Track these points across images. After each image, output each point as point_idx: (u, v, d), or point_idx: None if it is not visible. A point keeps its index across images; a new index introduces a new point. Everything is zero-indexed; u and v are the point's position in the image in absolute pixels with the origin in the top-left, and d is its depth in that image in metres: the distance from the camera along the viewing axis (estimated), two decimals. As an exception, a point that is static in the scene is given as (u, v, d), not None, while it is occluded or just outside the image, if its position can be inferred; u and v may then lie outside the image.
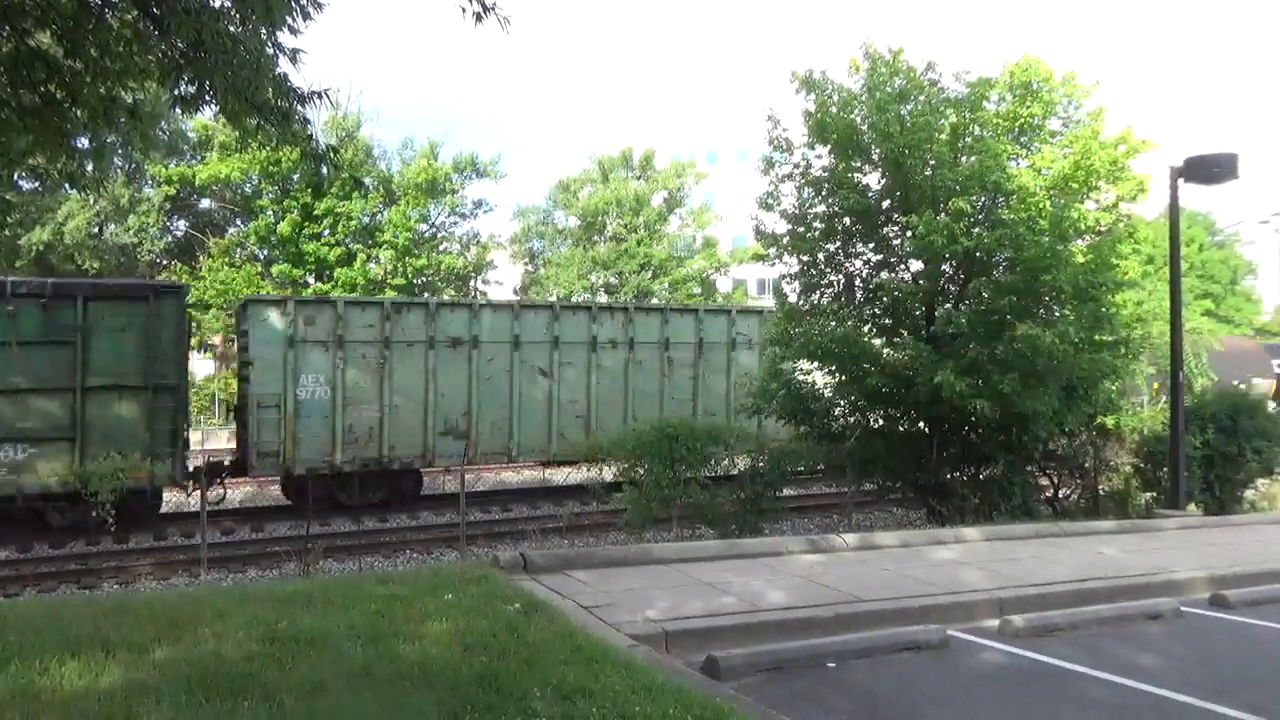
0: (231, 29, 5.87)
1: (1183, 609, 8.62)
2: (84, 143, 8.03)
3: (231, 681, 5.10)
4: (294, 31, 6.14)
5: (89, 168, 8.70)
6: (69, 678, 5.13)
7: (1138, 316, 14.90)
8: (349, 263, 32.91)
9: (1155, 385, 17.63)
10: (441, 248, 36.21)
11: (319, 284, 32.79)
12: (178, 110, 6.34)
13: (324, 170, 6.54)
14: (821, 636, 7.16)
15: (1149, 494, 15.37)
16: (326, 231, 33.23)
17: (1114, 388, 14.83)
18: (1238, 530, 13.02)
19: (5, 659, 5.39)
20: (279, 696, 4.93)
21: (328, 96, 6.09)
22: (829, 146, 14.21)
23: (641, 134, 73.24)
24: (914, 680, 6.51)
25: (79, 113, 6.84)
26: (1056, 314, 13.40)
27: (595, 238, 42.73)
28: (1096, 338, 13.27)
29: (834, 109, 13.86)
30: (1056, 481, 15.89)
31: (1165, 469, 14.72)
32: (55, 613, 6.72)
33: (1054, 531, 11.93)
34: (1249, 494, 16.48)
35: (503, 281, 40.71)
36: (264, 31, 5.80)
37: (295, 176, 32.78)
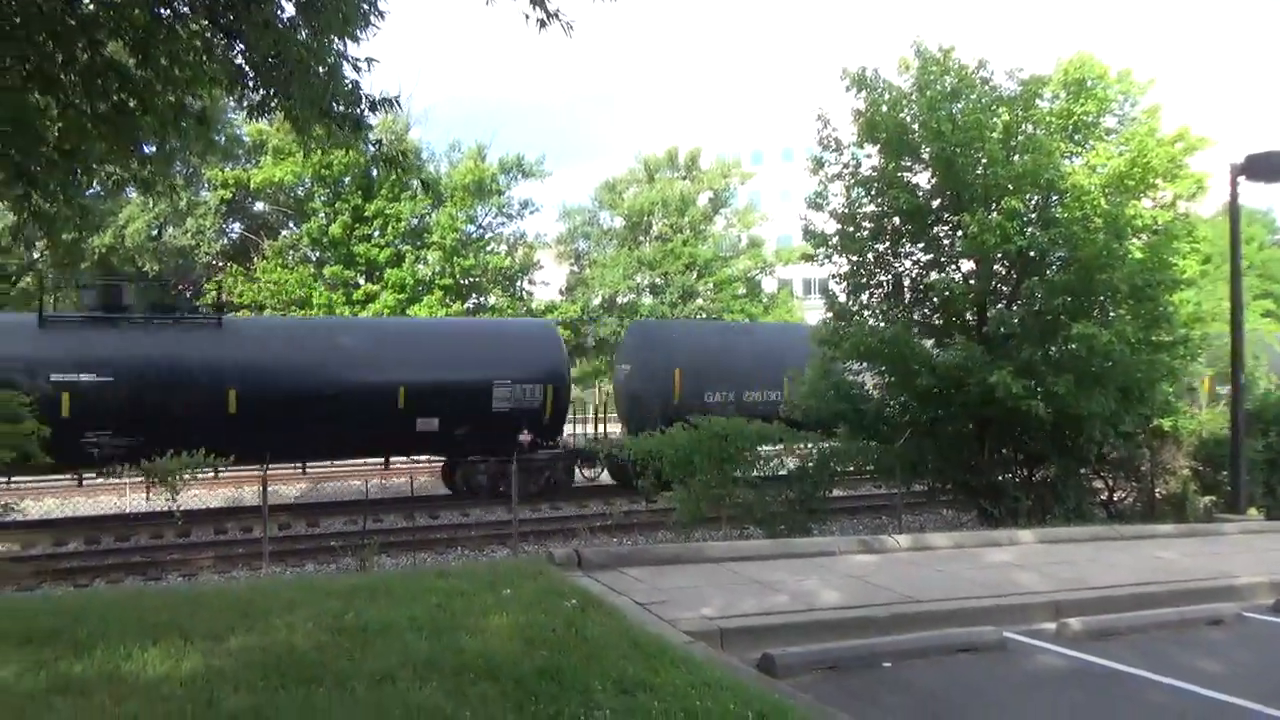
0: (300, 37, 6.06)
1: (1244, 614, 8.49)
2: (150, 149, 8.30)
3: (304, 670, 5.28)
4: (356, 40, 6.33)
5: (165, 173, 8.98)
6: (151, 663, 5.34)
7: (1196, 316, 14.62)
8: (398, 264, 33.43)
9: (1205, 385, 17.08)
10: (489, 248, 36.59)
11: (369, 284, 33.32)
12: (245, 116, 6.56)
13: (395, 172, 6.71)
14: (877, 636, 7.17)
15: (1208, 498, 15.06)
16: (376, 233, 33.78)
17: (1170, 390, 14.56)
18: (1301, 535, 12.72)
19: (90, 644, 5.63)
20: (351, 685, 5.08)
21: (396, 103, 6.25)
22: (879, 146, 14.16)
23: (687, 133, 73.32)
24: (971, 682, 6.51)
25: (149, 120, 7.09)
26: (1112, 314, 13.21)
27: (640, 238, 42.81)
28: (1154, 338, 13.08)
29: (884, 108, 13.80)
30: (1111, 484, 15.63)
31: (1225, 472, 14.43)
32: (133, 601, 6.99)
33: (1110, 534, 11.77)
34: (1313, 498, 16.07)
35: (549, 281, 40.92)
36: (333, 41, 5.98)
37: (346, 180, 33.34)
